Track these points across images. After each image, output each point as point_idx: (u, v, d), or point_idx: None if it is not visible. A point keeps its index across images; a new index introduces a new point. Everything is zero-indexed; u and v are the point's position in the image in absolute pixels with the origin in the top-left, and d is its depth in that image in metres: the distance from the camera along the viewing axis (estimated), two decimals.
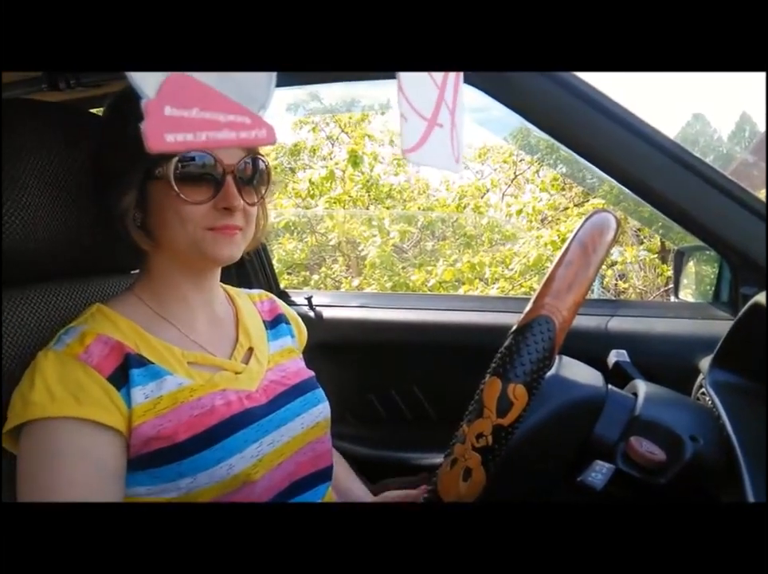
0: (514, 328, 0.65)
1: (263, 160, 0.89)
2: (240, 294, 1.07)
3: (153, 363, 0.84)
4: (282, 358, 1.02)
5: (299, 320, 1.14)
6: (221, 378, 0.89)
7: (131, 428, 0.80)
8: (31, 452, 0.78)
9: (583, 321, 1.31)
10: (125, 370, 0.81)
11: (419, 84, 0.41)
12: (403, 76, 0.38)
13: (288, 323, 1.10)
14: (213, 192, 0.82)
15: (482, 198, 6.05)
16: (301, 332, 1.13)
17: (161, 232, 0.85)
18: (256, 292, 1.12)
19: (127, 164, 0.82)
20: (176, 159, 0.80)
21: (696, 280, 1.49)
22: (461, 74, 0.47)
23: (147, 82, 0.28)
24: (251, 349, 0.97)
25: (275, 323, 1.08)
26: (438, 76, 0.43)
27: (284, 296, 1.69)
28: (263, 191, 0.90)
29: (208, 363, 0.90)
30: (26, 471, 0.78)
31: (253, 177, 0.88)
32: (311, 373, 1.05)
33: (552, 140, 1.13)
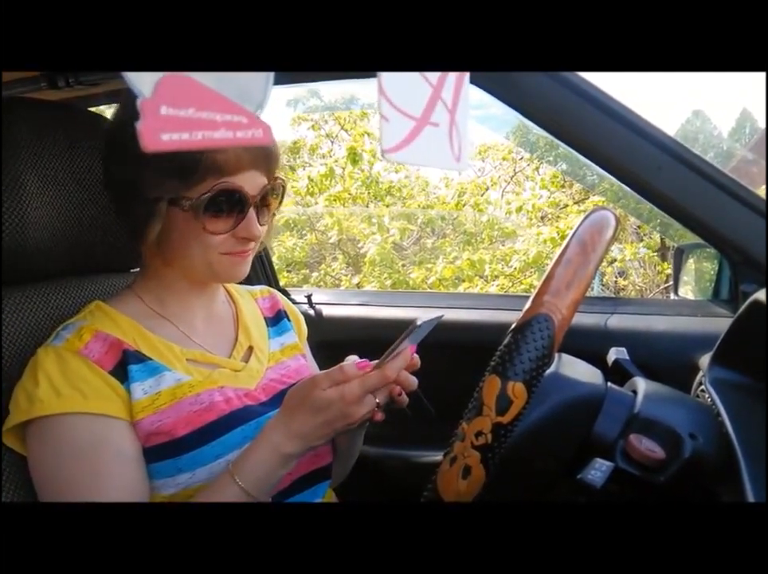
0: (513, 326, 0.65)
1: (281, 182, 0.88)
2: (241, 292, 1.07)
3: (151, 360, 0.85)
4: (284, 355, 1.03)
5: (297, 312, 1.14)
6: (219, 375, 0.90)
7: (133, 422, 0.81)
8: (45, 449, 0.78)
9: (583, 319, 1.31)
10: (123, 366, 0.82)
11: (406, 83, 0.41)
12: (384, 77, 0.38)
13: (289, 319, 1.11)
14: (235, 223, 0.83)
15: (482, 195, 6.04)
16: (300, 326, 1.13)
17: (176, 253, 0.86)
18: (257, 288, 1.12)
19: (155, 193, 0.80)
20: (207, 194, 0.79)
21: (696, 277, 1.49)
22: (466, 73, 0.47)
23: (143, 81, 0.28)
24: (251, 348, 0.98)
25: (276, 319, 1.08)
26: (433, 75, 0.43)
27: (283, 294, 1.69)
28: (276, 208, 0.91)
29: (207, 360, 0.90)
30: (45, 468, 0.79)
31: (271, 200, 0.88)
32: (313, 371, 1.05)
33: (551, 138, 1.13)
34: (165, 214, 0.81)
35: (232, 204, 0.82)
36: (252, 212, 0.83)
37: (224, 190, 0.80)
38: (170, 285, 0.91)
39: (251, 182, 0.83)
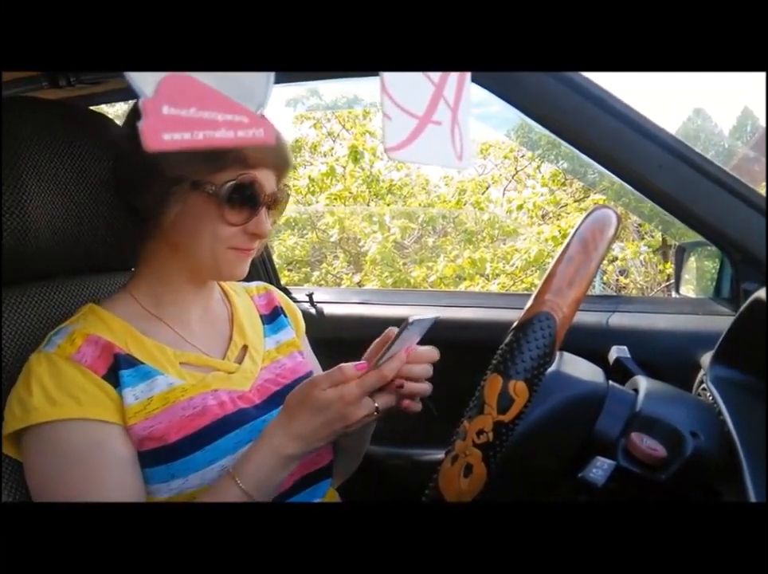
0: (515, 324, 0.65)
1: (287, 189, 0.91)
2: (237, 289, 1.06)
3: (143, 364, 0.84)
4: (279, 353, 1.02)
5: (294, 307, 1.14)
6: (213, 378, 0.89)
7: (126, 427, 0.81)
8: (41, 456, 0.78)
9: (584, 317, 1.30)
10: (115, 371, 0.81)
11: (408, 82, 0.41)
12: (387, 75, 0.38)
13: (286, 315, 1.10)
14: (247, 217, 0.84)
15: (483, 194, 6.03)
16: (298, 322, 1.12)
17: (186, 241, 0.86)
18: (253, 285, 1.11)
19: (178, 172, 0.81)
20: (233, 182, 0.81)
21: (697, 275, 1.49)
22: (467, 72, 0.47)
23: (145, 81, 0.28)
24: (245, 347, 0.97)
25: (272, 316, 1.07)
26: (435, 73, 0.43)
27: (284, 293, 1.69)
28: (278, 214, 0.92)
29: (200, 363, 0.90)
30: (41, 475, 0.79)
31: (277, 205, 0.90)
32: (309, 369, 1.04)
33: (553, 136, 1.13)
34: (185, 195, 0.82)
35: (250, 197, 0.83)
36: (264, 210, 0.85)
37: (248, 181, 0.82)
38: (168, 281, 0.90)
39: (267, 180, 0.85)
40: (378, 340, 0.90)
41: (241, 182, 0.82)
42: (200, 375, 0.88)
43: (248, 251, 0.87)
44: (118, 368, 0.81)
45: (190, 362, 0.89)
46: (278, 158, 0.86)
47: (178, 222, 0.83)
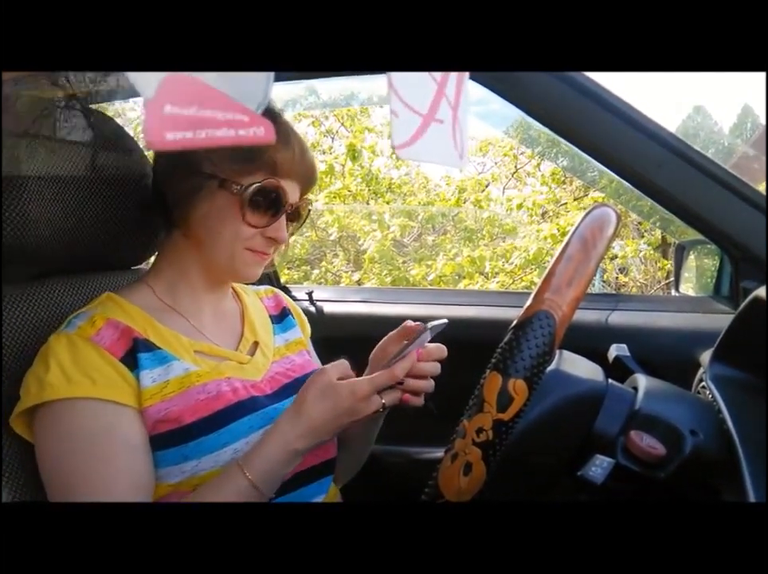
0: (514, 323, 0.65)
1: (308, 203, 0.96)
2: (247, 291, 1.10)
3: (160, 349, 0.86)
4: (288, 351, 1.05)
5: (300, 311, 1.17)
6: (226, 367, 0.92)
7: (141, 409, 0.82)
8: (52, 434, 0.79)
9: (584, 315, 1.31)
10: (133, 354, 0.83)
11: (414, 80, 0.41)
12: (394, 73, 0.38)
13: (293, 316, 1.13)
14: (268, 221, 0.88)
15: (482, 192, 6.02)
16: (304, 325, 1.15)
17: (208, 238, 0.89)
18: (262, 288, 1.15)
19: (211, 169, 0.85)
20: (257, 184, 0.85)
21: (697, 274, 1.49)
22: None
23: (146, 81, 0.28)
24: (256, 343, 0.99)
25: (281, 317, 1.10)
26: (437, 72, 0.43)
27: (284, 291, 1.70)
28: (297, 228, 0.97)
29: (214, 353, 0.92)
30: (51, 453, 0.80)
31: (298, 217, 0.95)
32: (317, 367, 1.07)
33: (553, 134, 1.13)
34: (213, 192, 0.85)
35: (272, 202, 0.87)
36: (284, 218, 0.89)
37: (272, 186, 0.86)
38: (186, 275, 0.93)
39: (292, 191, 0.89)
40: (393, 332, 0.94)
41: (266, 186, 0.85)
42: (214, 363, 0.91)
43: (264, 255, 0.91)
44: (136, 352, 0.83)
45: (203, 351, 0.91)
46: (305, 172, 0.91)
47: (204, 217, 0.87)
